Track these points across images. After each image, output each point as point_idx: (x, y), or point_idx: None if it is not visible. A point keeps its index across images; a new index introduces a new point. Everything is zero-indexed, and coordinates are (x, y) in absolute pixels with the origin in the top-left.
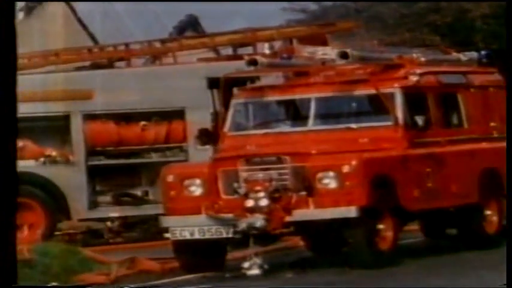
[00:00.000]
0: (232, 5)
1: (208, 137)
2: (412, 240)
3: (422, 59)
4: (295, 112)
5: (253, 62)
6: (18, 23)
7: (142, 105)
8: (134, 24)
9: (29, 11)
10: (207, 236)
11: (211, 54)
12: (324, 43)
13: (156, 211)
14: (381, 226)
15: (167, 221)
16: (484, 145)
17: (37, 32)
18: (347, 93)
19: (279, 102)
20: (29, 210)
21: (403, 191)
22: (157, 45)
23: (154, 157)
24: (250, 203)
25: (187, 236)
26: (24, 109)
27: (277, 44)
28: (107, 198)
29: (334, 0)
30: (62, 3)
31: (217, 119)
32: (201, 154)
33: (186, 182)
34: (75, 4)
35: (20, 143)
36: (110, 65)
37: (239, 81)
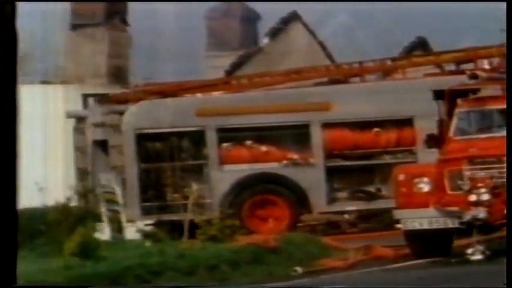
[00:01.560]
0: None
1: (435, 141)
2: None
3: None
4: None
5: (474, 76)
6: (264, 46)
7: (375, 115)
8: (366, 38)
9: (274, 36)
10: (435, 226)
11: (436, 70)
12: None
13: (388, 205)
14: None
15: (399, 214)
16: None
17: (281, 53)
18: None
19: (499, 111)
20: (275, 205)
21: None
22: (388, 62)
23: (386, 159)
24: (473, 197)
25: (417, 227)
26: (271, 119)
27: (496, 60)
28: (344, 194)
29: (340, 0)
30: (303, 29)
31: (442, 125)
32: (428, 156)
33: (416, 180)
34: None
35: (265, 148)
36: (345, 80)
37: (462, 93)
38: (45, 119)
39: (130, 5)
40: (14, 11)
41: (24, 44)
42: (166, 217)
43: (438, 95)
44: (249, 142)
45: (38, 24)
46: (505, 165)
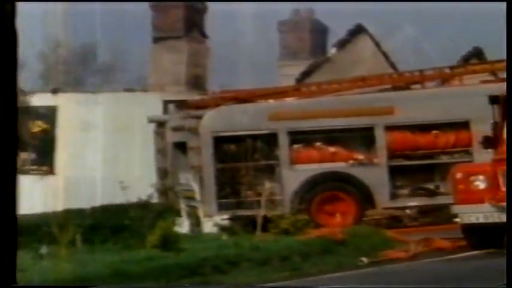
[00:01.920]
0: None
1: (490, 142)
2: None
3: None
4: None
5: None
6: (332, 56)
7: (434, 118)
8: (430, 48)
9: (341, 46)
10: (490, 220)
11: (491, 77)
12: None
13: (446, 201)
14: None
15: (457, 209)
16: None
17: (347, 63)
18: None
19: None
20: (342, 201)
21: None
22: (447, 70)
23: (444, 159)
24: None
25: (474, 221)
26: (338, 123)
27: None
28: (405, 191)
29: (339, 0)
30: (369, 41)
31: (497, 128)
32: (483, 156)
33: (472, 178)
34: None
35: (333, 149)
36: (407, 87)
37: None
38: (129, 123)
39: (209, 18)
40: (13, 11)
41: (109, 55)
42: (241, 212)
43: (493, 100)
44: (317, 143)
45: (123, 37)
46: None
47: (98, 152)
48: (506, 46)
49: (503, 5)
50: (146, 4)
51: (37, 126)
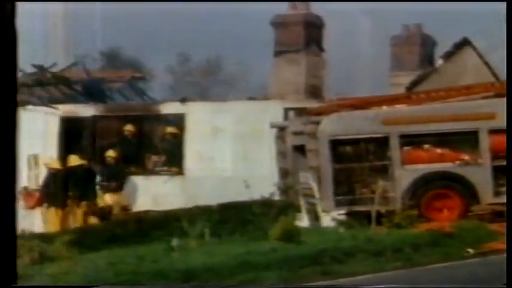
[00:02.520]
0: None
1: None
2: None
3: None
4: None
5: None
6: (439, 67)
7: None
8: None
9: (447, 58)
10: None
11: None
12: None
13: None
14: None
15: None
16: None
17: (453, 73)
18: None
19: None
20: (449, 198)
21: None
22: None
23: None
24: None
25: None
26: (445, 127)
27: None
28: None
29: (339, 0)
30: (473, 53)
31: None
32: None
33: None
34: None
35: (440, 151)
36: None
37: None
38: (252, 129)
39: (327, 33)
40: (13, 11)
41: (233, 68)
42: (356, 208)
43: None
44: (426, 146)
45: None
46: None
47: (224, 154)
48: (506, 46)
49: (504, 5)
50: (265, 22)
51: (167, 131)
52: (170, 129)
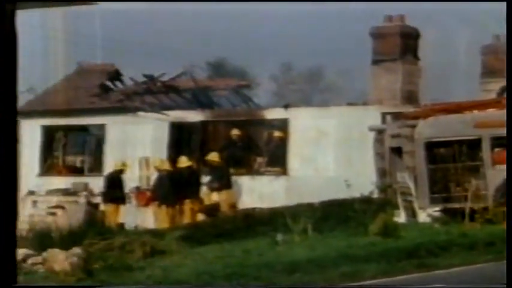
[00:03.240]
0: None
1: None
2: None
3: None
4: None
5: None
6: None
7: None
8: None
9: None
10: None
11: None
12: None
13: None
14: None
15: None
16: None
17: None
18: None
19: None
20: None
21: None
22: None
23: None
24: None
25: None
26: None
27: None
28: None
29: (336, 0)
30: None
31: None
32: None
33: None
34: None
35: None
36: None
37: None
38: (352, 132)
39: (422, 43)
40: (13, 11)
41: (333, 76)
42: (451, 205)
43: None
44: None
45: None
46: None
47: (327, 156)
48: (506, 46)
49: (503, 5)
50: (363, 32)
51: (271, 135)
52: (277, 133)
